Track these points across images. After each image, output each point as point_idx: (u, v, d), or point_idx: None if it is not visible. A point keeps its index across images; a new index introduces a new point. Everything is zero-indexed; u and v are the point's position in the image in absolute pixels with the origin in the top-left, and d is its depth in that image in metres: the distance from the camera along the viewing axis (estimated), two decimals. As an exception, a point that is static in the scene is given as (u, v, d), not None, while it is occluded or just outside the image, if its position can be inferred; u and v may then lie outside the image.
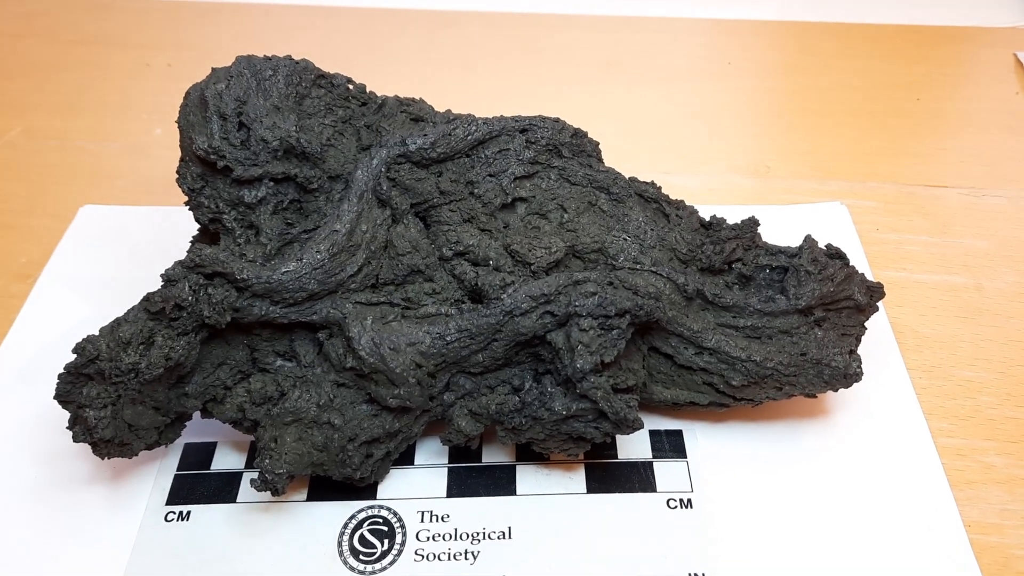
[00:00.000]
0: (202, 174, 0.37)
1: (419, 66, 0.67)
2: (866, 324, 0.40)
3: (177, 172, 0.38)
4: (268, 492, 0.36)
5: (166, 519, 0.38)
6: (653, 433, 0.41)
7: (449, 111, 0.42)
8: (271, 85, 0.38)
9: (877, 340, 0.45)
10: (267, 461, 0.36)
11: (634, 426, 0.36)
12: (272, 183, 0.37)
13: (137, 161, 0.58)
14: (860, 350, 0.41)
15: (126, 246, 0.50)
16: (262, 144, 0.37)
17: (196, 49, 0.69)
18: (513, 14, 0.73)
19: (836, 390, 0.39)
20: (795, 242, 0.50)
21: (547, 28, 0.71)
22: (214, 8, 0.74)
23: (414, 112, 0.42)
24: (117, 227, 0.52)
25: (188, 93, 0.38)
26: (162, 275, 0.36)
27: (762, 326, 0.39)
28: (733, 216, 0.52)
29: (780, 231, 0.51)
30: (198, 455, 0.41)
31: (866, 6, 0.74)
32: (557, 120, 0.41)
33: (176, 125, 0.38)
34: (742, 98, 0.63)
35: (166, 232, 0.51)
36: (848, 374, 0.38)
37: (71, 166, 0.58)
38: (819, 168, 0.56)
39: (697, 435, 0.41)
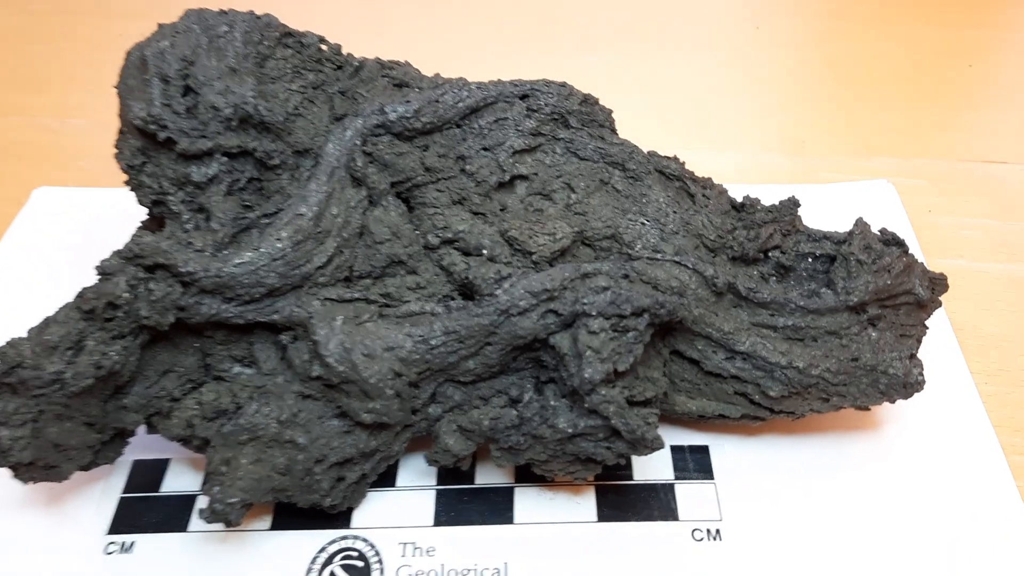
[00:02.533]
0: (143, 148, 0.31)
1: (415, 32, 0.61)
2: (927, 323, 0.34)
3: (115, 146, 0.32)
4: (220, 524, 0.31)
5: (106, 551, 0.33)
6: (675, 449, 0.36)
7: (438, 75, 0.36)
8: (226, 43, 0.32)
9: (934, 340, 0.39)
10: (216, 489, 0.30)
11: (653, 446, 0.30)
12: (225, 158, 0.31)
13: (103, 139, 0.52)
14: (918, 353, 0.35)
15: (82, 232, 0.45)
16: (212, 112, 0.31)
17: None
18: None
19: (893, 401, 0.33)
20: (838, 226, 0.44)
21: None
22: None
23: (397, 77, 0.36)
24: (74, 211, 0.46)
25: (129, 53, 0.32)
26: (97, 267, 0.31)
27: (806, 326, 0.33)
28: (767, 197, 0.46)
29: (819, 214, 0.45)
30: (147, 475, 0.35)
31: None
32: (564, 85, 0.35)
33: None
34: (773, 67, 0.56)
35: (131, 218, 0.46)
36: (909, 383, 0.32)
37: (31, 144, 0.52)
38: (861, 144, 0.50)
39: (726, 451, 0.35)
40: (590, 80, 0.54)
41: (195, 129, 0.31)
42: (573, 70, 0.56)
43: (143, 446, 0.35)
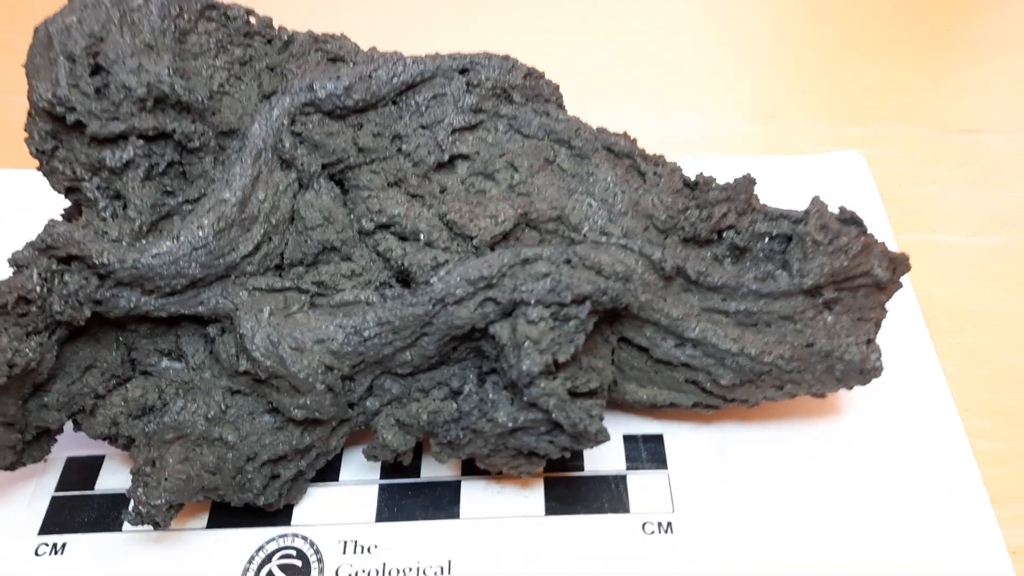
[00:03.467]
0: (53, 131, 0.30)
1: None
2: (887, 306, 0.32)
3: (25, 129, 0.30)
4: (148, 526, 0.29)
5: (36, 553, 0.32)
6: (628, 439, 0.34)
7: (374, 49, 0.34)
8: (141, 18, 0.30)
9: (900, 318, 0.37)
10: (141, 490, 0.29)
11: (597, 439, 0.29)
12: (141, 141, 0.29)
13: (17, 117, 0.50)
14: (880, 333, 0.34)
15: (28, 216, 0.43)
16: (124, 92, 0.29)
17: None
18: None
19: (850, 388, 0.31)
20: (804, 201, 0.42)
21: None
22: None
23: (332, 51, 0.34)
24: (23, 194, 0.45)
25: (36, 30, 0.30)
26: (9, 259, 0.29)
27: (759, 311, 0.31)
28: (734, 170, 0.44)
29: (786, 187, 0.43)
30: (81, 472, 0.34)
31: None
32: (506, 58, 0.33)
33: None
34: (748, 25, 0.54)
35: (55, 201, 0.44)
36: (866, 369, 0.31)
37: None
38: (835, 109, 0.48)
39: (681, 439, 0.34)
40: (555, 41, 0.52)
41: (106, 111, 0.29)
42: (538, 24, 0.54)
43: (77, 442, 0.34)
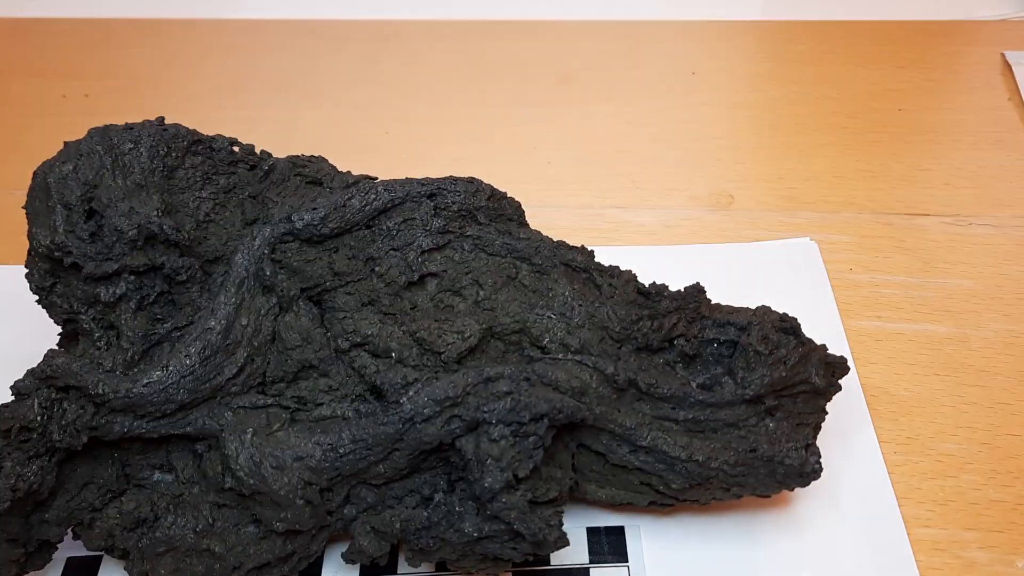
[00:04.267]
0: (51, 270, 0.32)
1: (356, 85, 0.61)
2: (827, 408, 0.35)
3: (25, 266, 0.33)
4: (141, 634, 0.32)
5: (37, 655, 0.34)
6: (591, 532, 0.37)
7: (349, 173, 0.37)
8: (132, 160, 0.33)
9: (847, 408, 0.40)
10: (135, 602, 0.31)
11: (556, 546, 0.31)
12: (133, 276, 0.32)
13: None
14: (829, 419, 0.36)
15: (13, 318, 0.45)
16: (116, 234, 0.32)
17: (119, 77, 0.64)
18: (460, 22, 0.67)
19: (792, 490, 0.34)
20: (762, 288, 0.45)
21: (497, 38, 0.65)
22: (139, 27, 0.68)
23: (310, 174, 0.37)
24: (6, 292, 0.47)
25: (35, 174, 0.33)
26: (12, 387, 0.32)
27: (705, 419, 0.34)
28: (693, 258, 0.47)
29: (743, 274, 0.46)
30: (80, 572, 0.36)
31: (846, 1, 0.67)
32: (471, 181, 0.36)
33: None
34: (707, 114, 0.57)
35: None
36: (805, 472, 0.33)
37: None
38: (789, 196, 0.51)
39: (641, 533, 0.37)
40: (527, 135, 0.55)
41: (100, 253, 0.31)
42: (504, 121, 0.57)
43: (78, 543, 0.36)
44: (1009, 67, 0.58)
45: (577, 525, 0.37)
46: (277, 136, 0.55)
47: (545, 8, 0.68)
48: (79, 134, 0.34)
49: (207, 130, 0.36)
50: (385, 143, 0.56)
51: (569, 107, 0.58)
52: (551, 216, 0.49)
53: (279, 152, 0.37)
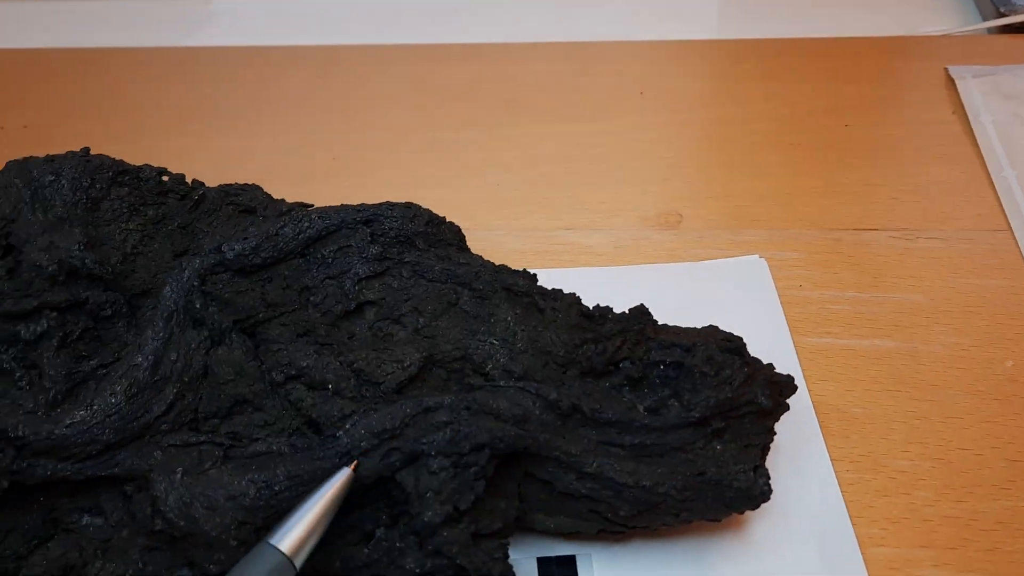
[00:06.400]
0: (-32, 308, 0.31)
1: (300, 112, 0.60)
2: (775, 429, 0.34)
3: (-59, 304, 0.31)
4: None
5: None
6: (542, 562, 0.36)
7: (283, 201, 0.36)
8: (52, 192, 0.32)
9: (798, 426, 0.39)
10: (60, 654, 0.30)
11: (502, 579, 0.31)
12: (55, 313, 0.31)
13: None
14: (780, 439, 0.36)
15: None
16: (36, 270, 0.30)
17: (58, 108, 0.62)
18: (405, 46, 0.66)
19: (741, 513, 0.33)
20: (712, 307, 0.45)
21: (443, 62, 0.64)
22: (81, 57, 0.67)
23: (243, 203, 0.36)
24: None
25: (-49, 210, 0.32)
26: (-73, 433, 0.30)
27: (652, 443, 0.33)
28: (642, 278, 0.47)
29: (692, 294, 0.46)
30: (7, 625, 0.35)
31: (793, 19, 0.68)
32: (409, 206, 0.36)
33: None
34: (655, 134, 0.57)
35: None
36: (753, 495, 0.33)
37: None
38: (737, 215, 0.51)
39: (592, 562, 0.36)
40: (473, 159, 0.55)
41: (18, 290, 0.30)
42: (452, 144, 0.56)
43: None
44: (952, 82, 0.59)
45: (527, 555, 0.36)
46: (221, 165, 0.54)
47: (491, 31, 0.68)
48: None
49: (154, 161, 0.35)
50: (332, 169, 0.55)
51: (516, 129, 0.58)
52: (499, 239, 0.49)
53: (223, 181, 0.36)
